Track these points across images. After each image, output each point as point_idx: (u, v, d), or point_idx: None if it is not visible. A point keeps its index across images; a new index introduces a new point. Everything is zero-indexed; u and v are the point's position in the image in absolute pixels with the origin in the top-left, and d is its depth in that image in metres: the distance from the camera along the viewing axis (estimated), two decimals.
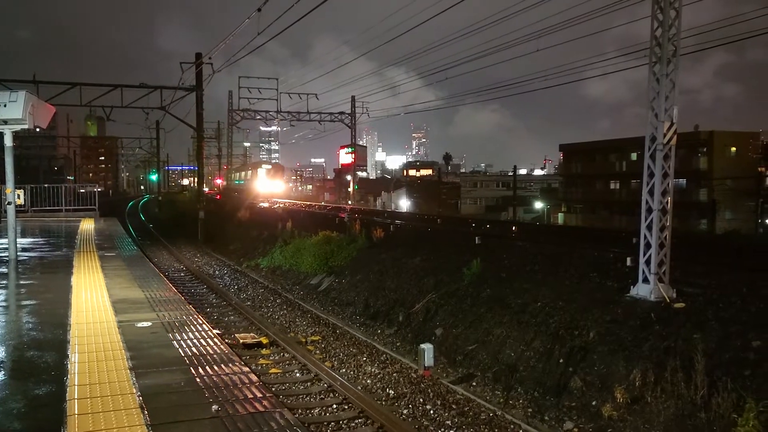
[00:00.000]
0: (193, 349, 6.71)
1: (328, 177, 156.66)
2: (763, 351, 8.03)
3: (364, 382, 11.16)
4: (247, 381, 5.74)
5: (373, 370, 11.79)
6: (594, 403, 9.19)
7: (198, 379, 5.70)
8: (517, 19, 22.66)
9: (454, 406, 9.90)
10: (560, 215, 67.53)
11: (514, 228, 25.09)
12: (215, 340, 7.23)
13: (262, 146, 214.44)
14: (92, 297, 9.20)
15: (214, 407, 5.03)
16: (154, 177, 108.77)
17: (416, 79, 47.88)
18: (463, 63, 28.78)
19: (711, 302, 10.48)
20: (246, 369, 6.20)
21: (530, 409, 9.80)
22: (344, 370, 11.84)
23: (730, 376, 7.89)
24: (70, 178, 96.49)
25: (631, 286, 11.40)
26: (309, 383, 10.93)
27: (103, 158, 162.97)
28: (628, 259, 14.09)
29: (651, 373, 8.75)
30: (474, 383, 11.10)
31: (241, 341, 13.11)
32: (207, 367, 6.07)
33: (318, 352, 13.00)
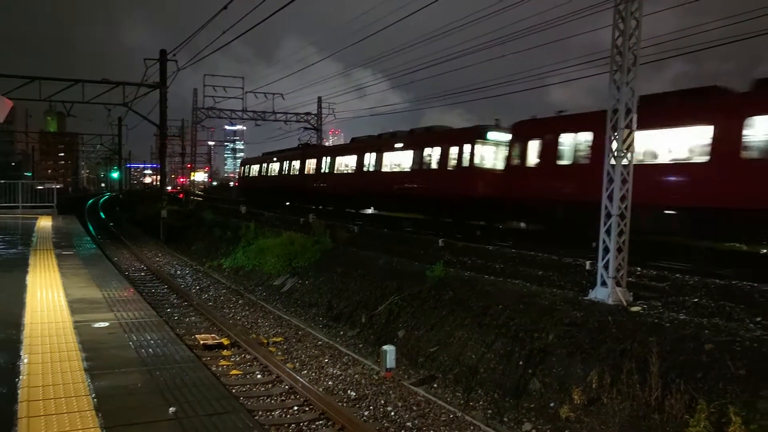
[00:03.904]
0: (152, 350, 6.62)
1: None
2: (714, 354, 8.26)
3: (325, 383, 11.14)
4: (206, 382, 5.69)
5: (335, 371, 11.77)
6: (552, 404, 9.33)
7: (156, 381, 5.63)
8: (483, 24, 22.94)
9: (415, 408, 9.95)
10: None
11: (478, 232, 25.32)
12: (175, 340, 7.14)
13: (227, 145, 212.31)
14: (48, 296, 9.00)
15: (172, 409, 4.98)
16: (115, 175, 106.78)
17: (383, 81, 47.97)
18: (430, 66, 28.99)
19: (667, 305, 10.77)
20: (206, 370, 6.15)
21: (490, 411, 9.91)
22: (306, 371, 11.80)
23: (683, 378, 8.09)
24: (28, 174, 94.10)
25: (590, 290, 11.62)
26: (270, 385, 10.86)
27: (62, 155, 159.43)
28: (587, 263, 14.37)
29: (607, 375, 8.93)
30: (435, 385, 11.17)
31: (202, 342, 12.96)
32: (165, 369, 5.99)
33: (280, 353, 12.92)
